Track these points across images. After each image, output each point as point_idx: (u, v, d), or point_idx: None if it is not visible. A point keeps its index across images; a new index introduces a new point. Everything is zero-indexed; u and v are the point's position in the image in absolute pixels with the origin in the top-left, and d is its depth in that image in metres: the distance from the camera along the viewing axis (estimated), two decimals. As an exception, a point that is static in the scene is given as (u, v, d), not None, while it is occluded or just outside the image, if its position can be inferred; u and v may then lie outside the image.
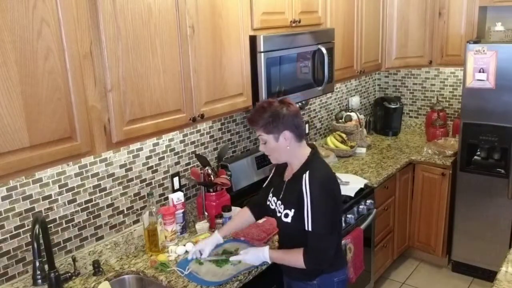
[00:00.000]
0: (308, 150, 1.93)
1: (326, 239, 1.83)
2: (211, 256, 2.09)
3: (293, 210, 1.88)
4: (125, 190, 2.30)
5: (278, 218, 1.98)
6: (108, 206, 2.22)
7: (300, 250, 1.86)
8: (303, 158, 1.91)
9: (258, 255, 1.97)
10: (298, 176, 1.87)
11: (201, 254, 2.05)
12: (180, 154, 2.58)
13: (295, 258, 1.87)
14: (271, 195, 2.04)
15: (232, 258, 2.04)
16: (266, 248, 1.99)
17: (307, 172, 1.84)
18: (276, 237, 2.23)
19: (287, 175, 1.98)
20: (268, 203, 2.06)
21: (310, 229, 1.81)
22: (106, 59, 1.74)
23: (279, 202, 1.97)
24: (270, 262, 2.02)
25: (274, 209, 2.00)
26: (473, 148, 3.49)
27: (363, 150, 3.76)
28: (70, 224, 2.07)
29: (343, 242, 2.53)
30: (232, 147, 2.96)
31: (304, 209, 1.81)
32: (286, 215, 1.91)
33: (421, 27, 3.76)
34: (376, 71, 3.94)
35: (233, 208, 2.52)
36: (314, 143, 3.58)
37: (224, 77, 2.30)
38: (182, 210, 2.41)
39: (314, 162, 1.89)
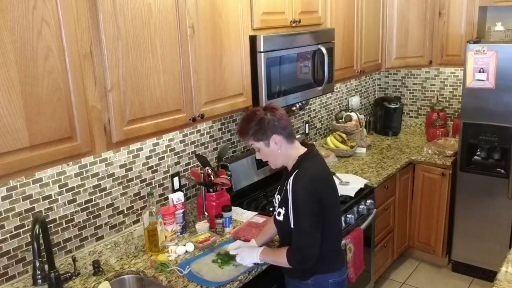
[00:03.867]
0: (301, 151, 1.97)
1: (307, 237, 1.85)
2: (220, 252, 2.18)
3: (283, 208, 1.93)
4: (125, 190, 2.30)
5: (274, 215, 2.04)
6: (108, 206, 2.22)
7: (285, 249, 1.91)
8: (295, 159, 1.95)
9: (253, 253, 2.03)
10: (288, 176, 1.92)
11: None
12: (180, 154, 2.58)
13: (281, 258, 1.92)
14: (276, 193, 2.07)
15: (232, 252, 2.10)
16: (260, 248, 2.05)
17: (294, 172, 1.89)
18: (276, 237, 2.24)
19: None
20: (274, 200, 2.10)
21: (292, 226, 1.87)
22: (106, 59, 1.74)
23: (279, 201, 2.00)
24: (260, 263, 2.05)
25: (275, 206, 2.04)
26: (473, 148, 3.49)
27: (363, 150, 3.76)
28: (70, 224, 2.07)
29: (343, 242, 2.53)
30: (232, 147, 2.96)
31: (288, 208, 1.87)
32: (279, 214, 1.97)
33: (421, 27, 3.76)
34: (376, 71, 3.94)
35: (233, 208, 2.52)
36: (314, 143, 3.60)
37: (224, 77, 2.30)
38: (182, 210, 2.41)
39: (303, 162, 1.93)
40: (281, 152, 1.93)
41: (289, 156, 1.95)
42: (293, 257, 1.89)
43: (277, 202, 2.03)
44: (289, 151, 1.95)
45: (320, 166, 1.98)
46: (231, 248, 2.14)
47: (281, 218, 1.95)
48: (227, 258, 2.11)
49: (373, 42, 3.65)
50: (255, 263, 2.05)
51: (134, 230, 2.34)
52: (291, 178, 1.88)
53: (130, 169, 2.31)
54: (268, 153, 1.95)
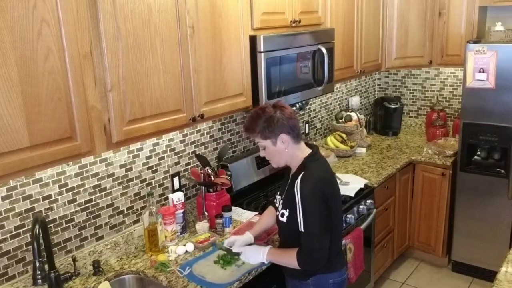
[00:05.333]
0: (306, 152, 1.96)
1: (318, 239, 1.84)
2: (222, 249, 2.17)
3: (288, 210, 1.92)
4: (125, 190, 2.30)
5: (277, 216, 2.03)
6: (108, 206, 2.22)
7: (294, 250, 1.89)
8: (301, 160, 1.93)
9: (258, 253, 2.01)
10: (294, 177, 1.90)
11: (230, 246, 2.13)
12: (180, 154, 2.58)
13: (291, 259, 1.90)
14: (278, 192, 2.06)
15: (235, 250, 2.09)
16: (267, 248, 2.02)
17: (301, 174, 1.87)
18: (277, 236, 2.24)
19: (290, 176, 2.01)
20: (275, 200, 2.10)
21: (302, 229, 1.85)
22: (106, 59, 1.74)
23: (281, 201, 2.00)
24: (266, 262, 2.04)
25: (277, 207, 2.04)
26: (473, 148, 3.49)
27: (363, 150, 3.76)
28: (70, 224, 2.07)
29: (343, 242, 2.53)
30: (232, 147, 2.96)
31: (296, 210, 1.85)
32: (283, 215, 1.95)
33: (421, 27, 3.76)
34: (376, 71, 3.94)
35: (233, 208, 2.52)
36: (314, 143, 3.60)
37: (224, 77, 2.30)
38: (182, 210, 2.41)
39: (310, 164, 1.91)
40: (287, 152, 1.91)
41: (295, 156, 1.93)
42: (303, 259, 1.86)
43: (279, 202, 2.02)
44: (295, 152, 1.93)
45: (325, 168, 1.97)
46: (228, 243, 2.12)
47: (284, 219, 1.94)
48: (229, 258, 2.11)
49: (373, 42, 3.65)
50: (261, 263, 2.04)
51: (134, 230, 2.34)
52: (298, 180, 1.85)
53: (130, 169, 2.31)
54: (274, 152, 1.92)
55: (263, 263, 2.05)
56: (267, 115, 1.87)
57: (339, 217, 2.03)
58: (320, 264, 1.89)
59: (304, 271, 1.96)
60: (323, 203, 1.84)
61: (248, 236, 2.16)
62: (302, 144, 1.97)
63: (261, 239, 2.27)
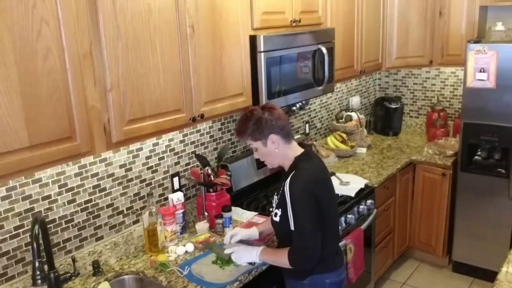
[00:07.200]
0: (298, 151, 1.97)
1: (308, 238, 1.85)
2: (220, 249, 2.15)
3: (280, 210, 1.93)
4: (125, 190, 2.30)
5: (271, 216, 2.04)
6: (108, 206, 2.22)
7: (286, 249, 1.90)
8: (292, 159, 1.95)
9: (251, 252, 2.01)
10: (286, 177, 1.92)
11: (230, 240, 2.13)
12: (180, 154, 2.58)
13: (283, 259, 1.91)
14: (275, 193, 2.06)
15: (227, 251, 2.07)
16: (261, 247, 2.03)
17: (292, 174, 1.89)
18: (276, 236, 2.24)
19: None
20: (272, 201, 2.10)
21: (293, 228, 1.86)
22: (106, 59, 1.74)
23: (277, 201, 2.00)
24: (258, 262, 2.03)
25: (273, 207, 2.04)
26: (473, 148, 3.49)
27: (364, 150, 3.76)
28: (70, 224, 2.07)
29: (343, 242, 2.53)
30: (232, 147, 2.96)
31: (287, 209, 1.86)
32: (276, 214, 1.97)
33: (421, 27, 3.76)
34: (376, 71, 3.94)
35: (233, 208, 2.52)
36: (314, 143, 3.60)
37: (224, 77, 2.29)
38: (182, 210, 2.41)
39: (301, 163, 1.92)
40: (278, 152, 1.93)
41: (286, 156, 1.96)
42: (294, 258, 1.88)
43: (275, 202, 2.03)
44: (287, 151, 1.95)
45: (317, 167, 1.97)
46: (230, 235, 2.12)
47: (277, 219, 1.95)
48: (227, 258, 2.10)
49: (373, 41, 3.64)
50: (250, 262, 2.03)
51: (134, 230, 2.33)
52: (288, 179, 1.87)
53: (130, 169, 2.30)
54: (265, 153, 1.95)
55: (254, 263, 2.04)
56: (256, 117, 1.90)
57: (333, 216, 2.03)
58: (312, 262, 1.89)
59: (301, 270, 1.97)
60: (313, 202, 1.85)
61: (254, 230, 2.16)
62: (294, 143, 1.98)
63: (263, 239, 2.27)
